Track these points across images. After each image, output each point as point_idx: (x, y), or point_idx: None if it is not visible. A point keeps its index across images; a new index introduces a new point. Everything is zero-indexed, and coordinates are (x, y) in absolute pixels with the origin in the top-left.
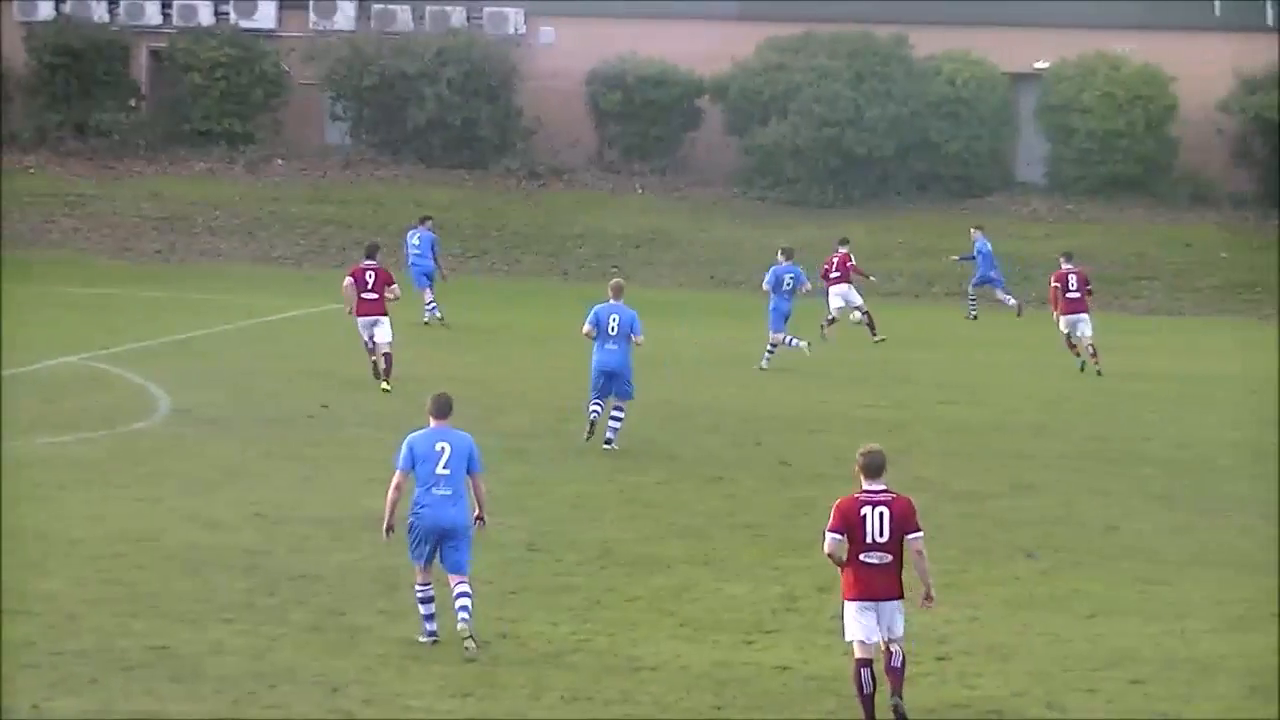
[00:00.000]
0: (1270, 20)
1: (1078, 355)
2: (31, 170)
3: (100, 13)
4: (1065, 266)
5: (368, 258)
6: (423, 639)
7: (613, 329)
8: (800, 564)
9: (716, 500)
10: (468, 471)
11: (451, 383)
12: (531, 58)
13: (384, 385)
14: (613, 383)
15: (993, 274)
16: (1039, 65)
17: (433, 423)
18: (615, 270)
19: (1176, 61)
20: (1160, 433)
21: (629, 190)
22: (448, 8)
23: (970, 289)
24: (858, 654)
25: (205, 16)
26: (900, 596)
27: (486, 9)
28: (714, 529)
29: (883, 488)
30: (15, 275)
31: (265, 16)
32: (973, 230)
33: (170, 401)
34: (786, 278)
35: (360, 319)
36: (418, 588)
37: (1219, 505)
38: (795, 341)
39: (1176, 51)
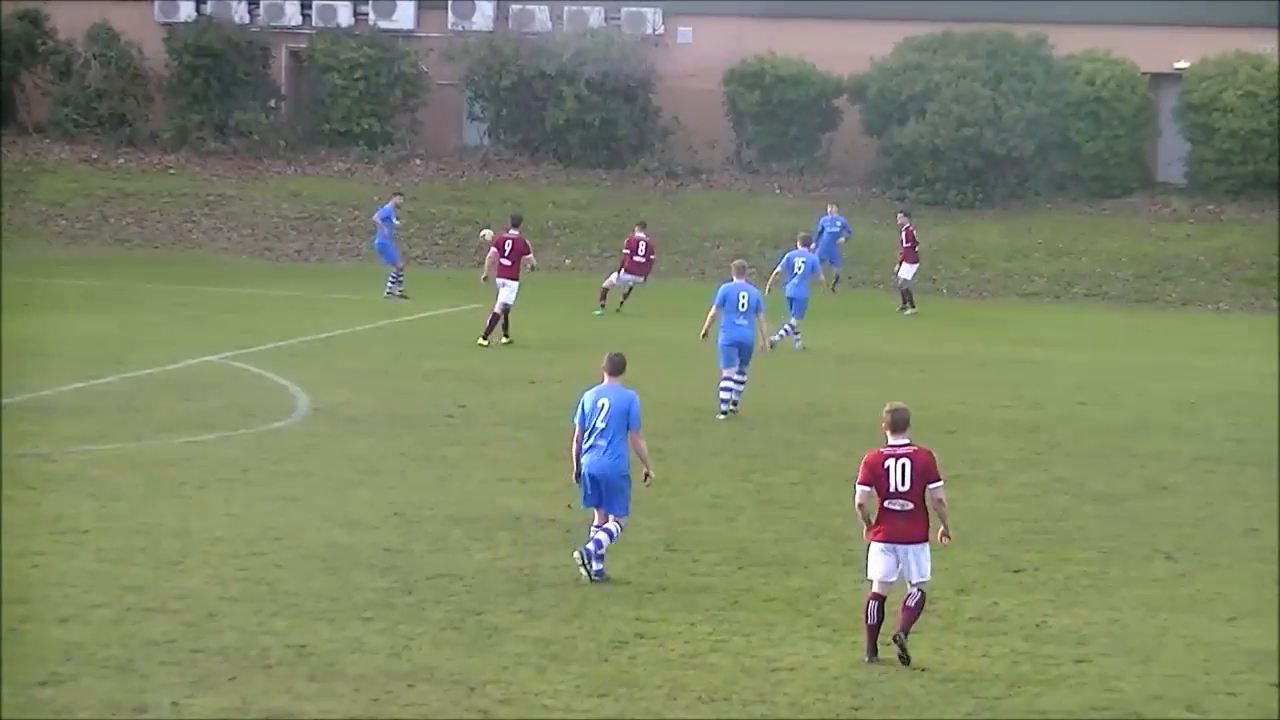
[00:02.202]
0: None
1: None
2: (172, 171)
3: (240, 13)
4: None
5: (513, 227)
6: (589, 577)
7: (743, 305)
8: (938, 565)
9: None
10: (627, 428)
11: (587, 383)
12: (669, 58)
13: (503, 339)
14: (743, 353)
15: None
16: (1179, 65)
17: (606, 379)
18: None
19: None
20: (1249, 432)
21: (767, 190)
22: (585, 8)
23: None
24: (873, 589)
25: (344, 17)
26: (922, 540)
27: (624, 9)
28: (851, 529)
29: (906, 442)
30: (157, 275)
31: (404, 17)
32: (829, 207)
33: (309, 401)
34: (798, 262)
35: (496, 280)
36: (592, 528)
37: None
38: (787, 331)
39: None
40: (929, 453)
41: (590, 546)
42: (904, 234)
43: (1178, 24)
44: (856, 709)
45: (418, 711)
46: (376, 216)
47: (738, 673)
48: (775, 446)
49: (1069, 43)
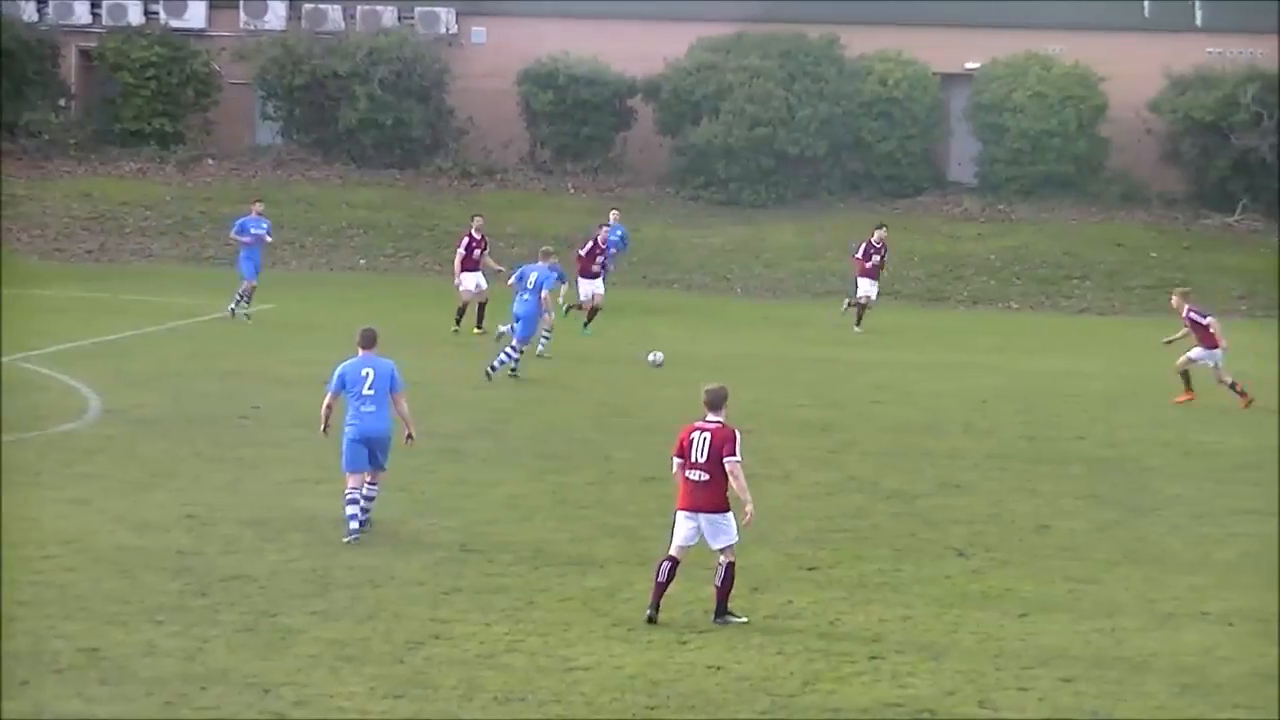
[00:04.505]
0: (1199, 21)
1: None
2: None
3: (29, 12)
4: None
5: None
6: (346, 539)
7: (530, 284)
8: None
9: (650, 500)
10: (391, 391)
11: None
12: (463, 57)
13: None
14: (527, 326)
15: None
16: (970, 65)
17: (360, 352)
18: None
19: (1107, 61)
20: (1090, 432)
21: (561, 190)
22: (379, 7)
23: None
24: (670, 551)
25: (135, 16)
26: (717, 511)
27: (418, 9)
28: (647, 529)
29: (715, 419)
30: None
31: (195, 16)
32: (612, 213)
33: (101, 402)
34: (531, 276)
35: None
36: (348, 491)
37: (1148, 504)
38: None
39: (1107, 52)
40: (730, 430)
41: (358, 511)
42: (863, 248)
43: (968, 25)
44: (652, 708)
45: (211, 714)
46: (234, 232)
47: (533, 672)
48: (573, 446)
49: (861, 43)
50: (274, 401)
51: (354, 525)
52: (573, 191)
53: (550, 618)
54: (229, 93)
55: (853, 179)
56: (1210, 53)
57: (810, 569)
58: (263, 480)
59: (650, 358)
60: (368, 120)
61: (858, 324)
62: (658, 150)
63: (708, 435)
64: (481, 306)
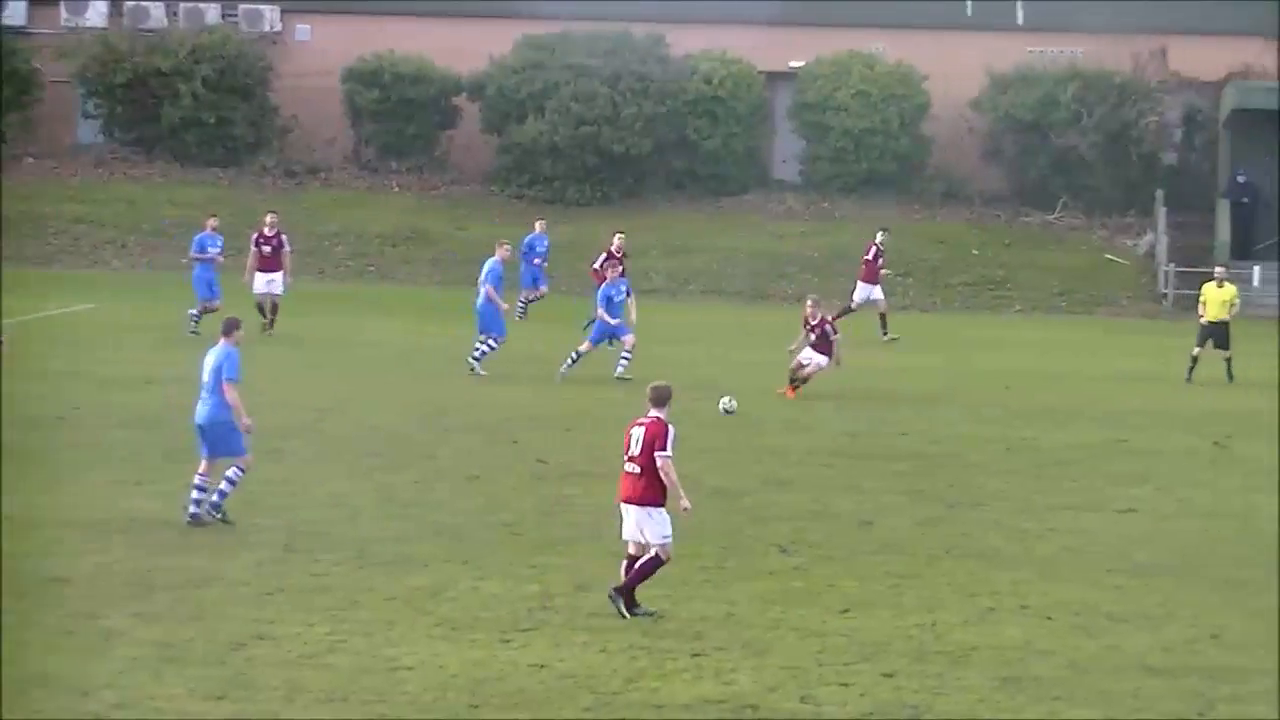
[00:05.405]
0: (1020, 20)
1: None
2: None
3: None
4: None
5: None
6: (185, 519)
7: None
8: (557, 562)
9: (474, 499)
10: (225, 380)
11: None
12: (287, 55)
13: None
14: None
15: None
16: (794, 64)
17: (220, 342)
18: (372, 270)
19: (929, 60)
20: (913, 428)
21: (385, 189)
22: (202, 4)
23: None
24: (628, 549)
25: None
26: (646, 504)
27: (241, 6)
28: (471, 527)
29: (655, 414)
30: None
31: (16, 13)
32: (537, 223)
33: None
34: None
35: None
36: (197, 476)
37: (969, 499)
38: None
39: (929, 50)
40: (663, 426)
41: (215, 499)
42: (872, 250)
43: (793, 23)
44: (475, 706)
45: (31, 718)
46: (193, 251)
47: (357, 672)
48: (396, 445)
49: (687, 42)
50: (94, 401)
51: (191, 509)
52: (397, 190)
53: (374, 617)
54: (50, 91)
55: (677, 177)
56: (1031, 52)
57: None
58: (83, 481)
59: (724, 405)
60: (190, 118)
61: (883, 330)
62: (483, 148)
63: (641, 430)
64: (274, 306)
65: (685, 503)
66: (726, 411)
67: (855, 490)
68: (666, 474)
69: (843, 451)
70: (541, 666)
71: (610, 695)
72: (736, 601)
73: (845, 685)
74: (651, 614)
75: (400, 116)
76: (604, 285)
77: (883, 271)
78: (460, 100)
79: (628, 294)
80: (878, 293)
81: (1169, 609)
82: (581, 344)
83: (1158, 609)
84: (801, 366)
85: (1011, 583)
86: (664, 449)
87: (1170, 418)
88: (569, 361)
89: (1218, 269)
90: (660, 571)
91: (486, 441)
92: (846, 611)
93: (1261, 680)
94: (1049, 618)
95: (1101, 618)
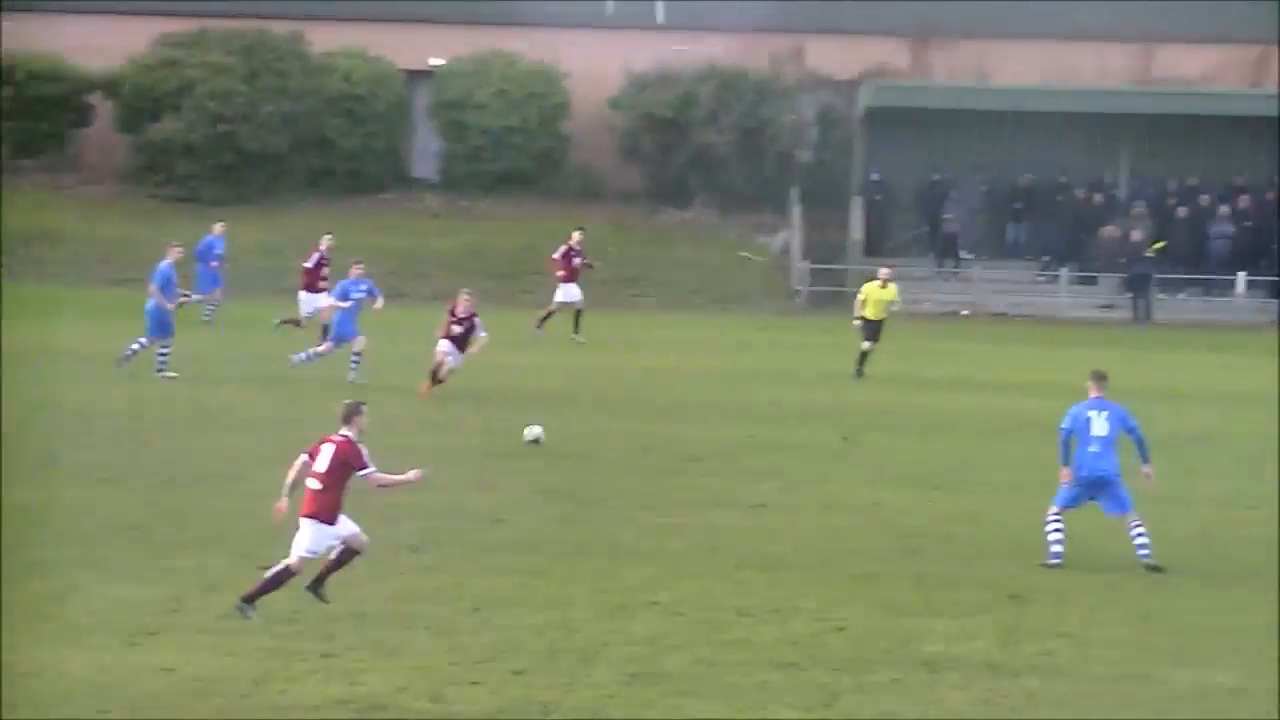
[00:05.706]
0: (660, 19)
1: None
2: None
3: None
4: None
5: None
6: None
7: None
8: (186, 565)
9: (102, 502)
10: None
11: None
12: None
13: None
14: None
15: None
16: (434, 62)
17: None
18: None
19: (569, 59)
20: (545, 426)
21: (16, 187)
22: None
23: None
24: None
25: None
26: (327, 521)
27: None
28: (99, 531)
29: (345, 432)
30: None
31: None
32: (216, 225)
33: None
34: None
35: None
36: None
37: (602, 496)
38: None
39: (569, 49)
40: (351, 445)
41: None
42: (563, 250)
43: (434, 21)
44: (103, 712)
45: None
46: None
47: None
48: (26, 449)
49: (327, 40)
50: None
51: None
52: (29, 189)
53: None
54: None
55: (314, 176)
56: (670, 51)
57: (264, 568)
58: None
59: (530, 434)
60: None
61: (575, 330)
62: (117, 147)
63: (332, 448)
64: None
65: (414, 473)
66: (533, 441)
67: (488, 488)
68: (384, 484)
69: (475, 450)
70: (170, 670)
71: (238, 698)
72: (368, 601)
73: (475, 684)
74: (249, 615)
75: (33, 115)
76: (344, 281)
77: (588, 267)
78: (95, 98)
79: (368, 294)
80: (575, 292)
81: (796, 603)
82: (321, 344)
83: (785, 603)
84: (441, 364)
85: (642, 579)
86: (363, 468)
87: (800, 413)
88: (305, 356)
89: (882, 270)
90: (294, 582)
91: (118, 443)
92: (478, 610)
93: (885, 671)
94: (679, 613)
95: (731, 612)
